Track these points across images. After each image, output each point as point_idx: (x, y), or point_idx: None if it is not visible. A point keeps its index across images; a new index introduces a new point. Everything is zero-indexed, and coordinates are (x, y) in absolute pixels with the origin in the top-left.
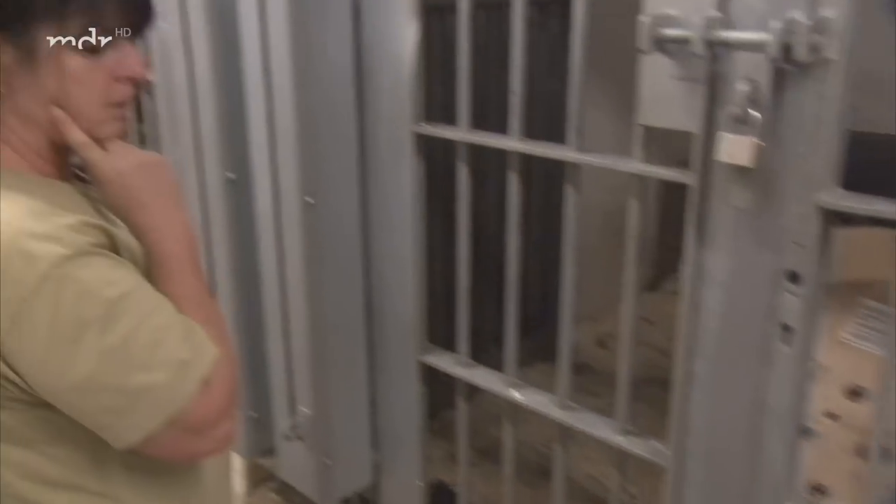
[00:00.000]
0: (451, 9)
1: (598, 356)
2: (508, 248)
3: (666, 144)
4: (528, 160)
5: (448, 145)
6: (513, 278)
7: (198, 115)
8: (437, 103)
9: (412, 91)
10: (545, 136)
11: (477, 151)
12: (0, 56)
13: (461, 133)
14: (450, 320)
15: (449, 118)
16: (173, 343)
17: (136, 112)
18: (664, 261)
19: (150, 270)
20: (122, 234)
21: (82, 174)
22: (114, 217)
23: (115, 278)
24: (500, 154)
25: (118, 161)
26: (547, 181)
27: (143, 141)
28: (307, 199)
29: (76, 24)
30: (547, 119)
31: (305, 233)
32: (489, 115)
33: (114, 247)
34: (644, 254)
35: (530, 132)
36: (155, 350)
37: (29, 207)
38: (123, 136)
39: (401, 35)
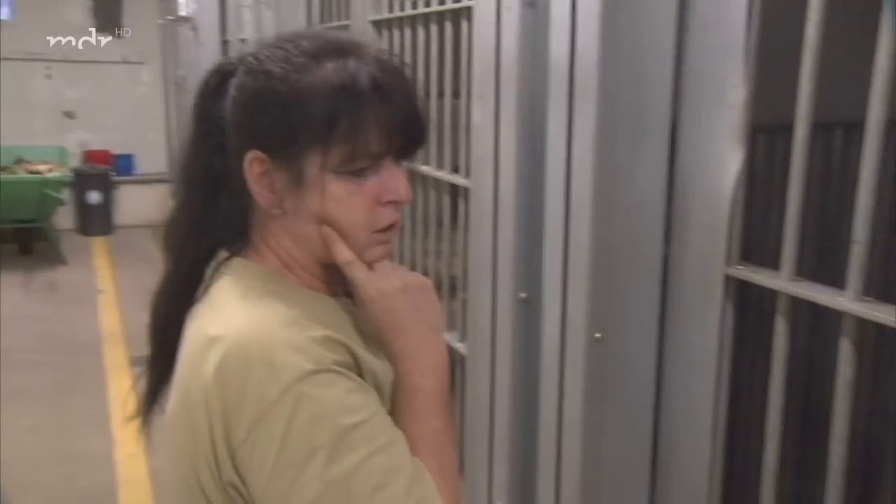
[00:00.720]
0: (789, 129)
1: None
2: (835, 426)
3: None
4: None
5: (771, 291)
6: (838, 466)
7: (497, 228)
8: (766, 240)
9: (729, 228)
10: None
11: (803, 302)
12: (275, 180)
13: (781, 282)
14: (752, 492)
15: (776, 259)
16: (398, 489)
17: (452, 211)
18: None
19: (395, 401)
20: (371, 357)
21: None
22: (371, 340)
23: (353, 404)
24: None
25: (381, 282)
26: None
27: (454, 242)
28: (596, 334)
29: (340, 150)
30: None
31: (590, 370)
32: (838, 258)
33: (357, 368)
34: None
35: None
36: (377, 493)
37: (283, 316)
38: (389, 257)
39: (722, 162)
